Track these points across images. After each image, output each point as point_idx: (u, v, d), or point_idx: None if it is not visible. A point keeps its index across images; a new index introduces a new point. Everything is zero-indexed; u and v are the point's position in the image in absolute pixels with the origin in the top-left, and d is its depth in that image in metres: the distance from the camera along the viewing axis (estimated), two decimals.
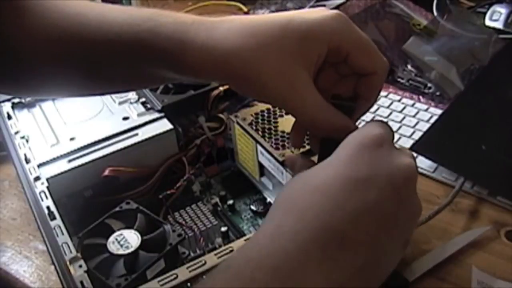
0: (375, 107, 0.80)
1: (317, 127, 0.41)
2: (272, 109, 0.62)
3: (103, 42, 0.43)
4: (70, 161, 0.58)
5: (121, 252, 0.49)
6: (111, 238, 0.50)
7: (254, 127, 0.59)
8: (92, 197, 0.58)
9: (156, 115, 0.64)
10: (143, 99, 0.66)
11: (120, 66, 0.45)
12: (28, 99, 0.69)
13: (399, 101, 0.81)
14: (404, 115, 0.78)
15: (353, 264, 0.33)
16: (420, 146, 0.69)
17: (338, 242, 0.33)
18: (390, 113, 0.79)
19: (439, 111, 0.77)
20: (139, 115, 0.64)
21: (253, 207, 0.61)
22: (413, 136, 0.74)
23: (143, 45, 0.42)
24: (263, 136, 0.58)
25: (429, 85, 0.81)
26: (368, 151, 0.36)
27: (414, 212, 0.37)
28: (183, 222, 0.57)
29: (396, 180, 0.35)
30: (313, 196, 0.35)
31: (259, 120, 0.60)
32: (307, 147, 0.56)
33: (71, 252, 0.48)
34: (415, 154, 0.69)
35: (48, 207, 0.52)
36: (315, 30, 0.39)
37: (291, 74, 0.39)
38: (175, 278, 0.44)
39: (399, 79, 0.84)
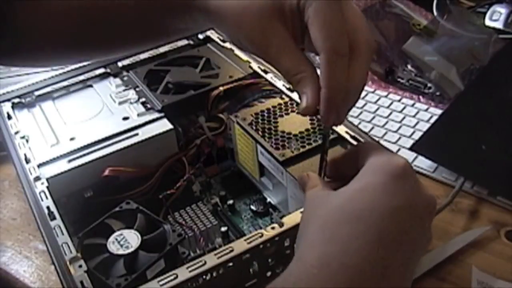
0: (375, 107, 0.80)
1: (283, 69, 0.42)
2: (272, 109, 0.62)
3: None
4: (70, 161, 0.58)
5: (121, 252, 0.49)
6: (111, 238, 0.50)
7: (254, 127, 0.59)
8: (92, 197, 0.58)
9: (156, 115, 0.64)
10: (143, 99, 0.66)
11: (134, 22, 0.49)
12: (28, 99, 0.69)
13: (399, 101, 0.81)
14: (404, 115, 0.78)
15: None
16: (420, 146, 0.69)
17: (380, 273, 0.34)
18: (390, 113, 0.79)
19: (439, 111, 0.77)
20: (139, 115, 0.64)
21: (253, 207, 0.61)
22: (413, 136, 0.74)
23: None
24: (263, 136, 0.58)
25: (429, 85, 0.81)
26: (401, 181, 0.37)
27: (430, 238, 0.39)
28: (183, 222, 0.57)
29: (423, 212, 0.38)
30: (353, 226, 0.35)
31: (259, 120, 0.60)
32: (307, 147, 0.56)
33: (71, 252, 0.48)
34: (415, 154, 0.69)
35: (48, 207, 0.52)
36: None
37: (266, 28, 0.42)
38: (175, 278, 0.44)
39: (399, 79, 0.84)
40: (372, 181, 0.37)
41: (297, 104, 0.62)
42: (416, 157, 0.70)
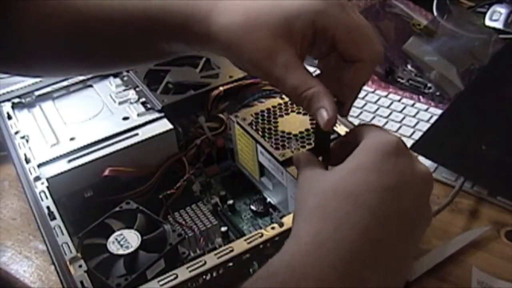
0: (375, 107, 0.80)
1: (291, 87, 0.41)
2: (272, 109, 0.62)
3: (118, 20, 0.46)
4: (70, 161, 0.58)
5: (121, 252, 0.49)
6: (111, 238, 0.50)
7: (254, 127, 0.59)
8: (92, 197, 0.58)
9: (156, 115, 0.64)
10: (143, 99, 0.66)
11: (132, 43, 0.47)
12: (28, 99, 0.69)
13: (399, 101, 0.81)
14: (404, 115, 0.78)
15: (387, 270, 0.35)
16: (420, 146, 0.69)
17: (374, 251, 0.35)
18: (390, 113, 0.79)
19: (439, 111, 0.77)
20: (139, 115, 0.64)
21: (253, 207, 0.61)
22: (413, 136, 0.74)
23: (154, 20, 0.45)
24: (263, 136, 0.58)
25: (429, 85, 0.81)
26: (393, 158, 0.37)
27: (429, 216, 0.40)
28: (183, 222, 0.57)
29: (419, 188, 0.37)
30: (348, 204, 0.36)
31: (259, 120, 0.60)
32: (307, 147, 0.56)
33: (71, 252, 0.48)
34: (414, 154, 0.69)
35: (48, 207, 0.52)
36: (299, 10, 0.41)
37: (271, 48, 0.41)
38: (175, 278, 0.44)
39: (399, 79, 0.84)
40: (365, 160, 0.38)
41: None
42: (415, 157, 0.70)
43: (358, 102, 0.82)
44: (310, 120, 0.59)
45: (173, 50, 0.48)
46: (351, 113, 0.81)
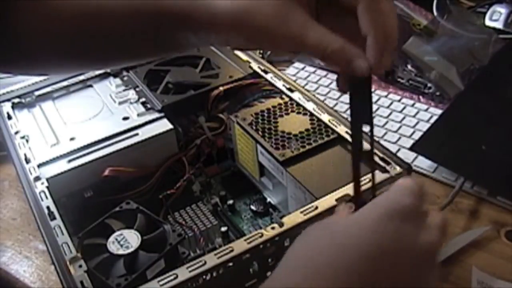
0: (375, 107, 0.80)
1: (314, 42, 0.39)
2: (272, 109, 0.62)
3: (125, 14, 0.45)
4: (70, 161, 0.58)
5: (121, 252, 0.49)
6: (111, 238, 0.50)
7: (254, 127, 0.59)
8: (92, 197, 0.58)
9: (156, 115, 0.64)
10: (143, 99, 0.66)
11: (138, 37, 0.46)
12: (28, 99, 0.69)
13: (399, 101, 0.81)
14: (404, 115, 0.78)
15: None
16: (420, 146, 0.69)
17: None
18: (390, 113, 0.79)
19: (439, 111, 0.77)
20: (139, 115, 0.64)
21: (253, 207, 0.61)
22: (413, 136, 0.74)
23: (157, 12, 0.44)
24: (263, 136, 0.58)
25: (429, 85, 0.81)
26: (395, 224, 0.35)
27: (431, 284, 0.37)
28: (183, 222, 0.57)
29: (417, 260, 0.35)
30: (333, 256, 0.35)
31: (259, 120, 0.60)
32: (307, 147, 0.56)
33: (71, 252, 0.48)
34: (415, 154, 0.69)
35: (48, 207, 0.52)
36: None
37: (284, 10, 0.40)
38: (175, 278, 0.44)
39: (399, 79, 0.84)
40: (367, 215, 0.36)
41: (297, 104, 0.62)
42: (416, 157, 0.70)
43: None
44: (310, 120, 0.59)
45: (179, 41, 0.46)
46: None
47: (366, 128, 0.41)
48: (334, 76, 0.87)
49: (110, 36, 0.46)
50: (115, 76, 0.72)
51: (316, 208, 0.48)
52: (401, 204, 0.36)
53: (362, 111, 0.41)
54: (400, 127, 0.76)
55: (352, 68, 0.38)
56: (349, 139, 0.56)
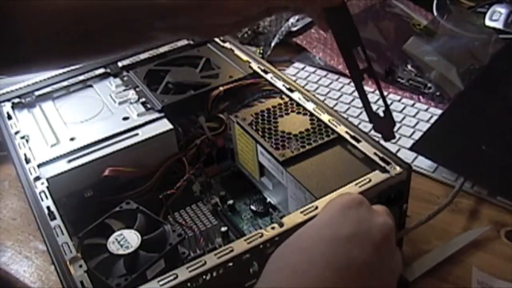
0: (375, 107, 0.80)
1: None
2: (272, 109, 0.62)
3: (114, 9, 0.49)
4: (70, 161, 0.58)
5: (121, 252, 0.49)
6: (111, 238, 0.50)
7: (254, 127, 0.59)
8: (92, 197, 0.58)
9: (156, 115, 0.64)
10: (143, 99, 0.66)
11: (124, 30, 0.50)
12: (28, 99, 0.69)
13: (399, 101, 0.81)
14: (404, 115, 0.78)
15: None
16: (420, 146, 0.69)
17: None
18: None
19: (439, 111, 0.77)
20: (139, 115, 0.64)
21: (253, 207, 0.61)
22: (413, 136, 0.74)
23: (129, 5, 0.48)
24: (263, 136, 0.58)
25: (429, 85, 0.81)
26: (350, 211, 0.40)
27: (394, 266, 0.41)
28: (183, 222, 0.57)
29: (374, 237, 0.39)
30: (302, 255, 0.38)
31: (259, 120, 0.60)
32: (307, 147, 0.56)
33: (71, 252, 0.48)
34: (415, 154, 0.69)
35: (48, 207, 0.52)
36: None
37: None
38: (175, 278, 0.44)
39: (399, 79, 0.84)
40: (322, 215, 0.42)
41: (297, 104, 0.62)
42: (416, 157, 0.70)
43: (358, 102, 0.81)
44: (310, 120, 0.59)
45: (148, 31, 0.49)
46: (351, 113, 0.82)
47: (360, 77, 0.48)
48: (334, 76, 0.88)
49: (91, 30, 0.49)
50: (115, 76, 0.73)
51: (316, 208, 0.48)
52: (351, 197, 0.42)
53: (348, 35, 0.47)
54: (400, 127, 0.76)
55: None
56: (349, 139, 0.56)
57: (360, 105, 0.81)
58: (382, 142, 0.55)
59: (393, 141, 0.73)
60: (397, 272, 0.41)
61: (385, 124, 0.50)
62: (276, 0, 0.49)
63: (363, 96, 0.49)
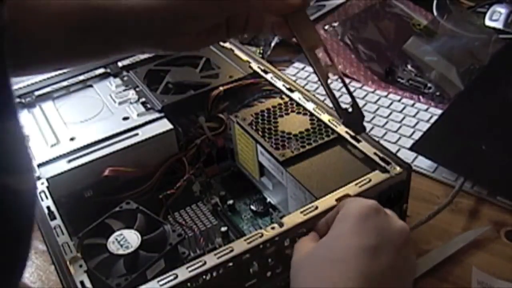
0: (375, 107, 0.80)
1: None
2: (272, 109, 0.62)
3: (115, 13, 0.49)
4: (70, 161, 0.58)
5: (121, 252, 0.49)
6: (111, 238, 0.50)
7: (254, 127, 0.59)
8: (92, 197, 0.58)
9: (156, 115, 0.64)
10: (143, 99, 0.66)
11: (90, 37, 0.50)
12: (28, 99, 0.69)
13: (399, 101, 0.81)
14: (404, 115, 0.78)
15: None
16: (420, 146, 0.69)
17: None
18: (390, 113, 0.79)
19: (439, 111, 0.77)
20: (139, 115, 0.64)
21: (253, 207, 0.61)
22: (413, 136, 0.74)
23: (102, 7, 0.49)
24: (263, 136, 0.58)
25: (429, 85, 0.81)
26: (370, 220, 0.41)
27: (412, 266, 0.43)
28: (183, 222, 0.57)
29: (397, 242, 0.41)
30: (337, 267, 0.40)
31: (259, 120, 0.60)
32: (307, 147, 0.56)
33: (71, 252, 0.48)
34: (415, 154, 0.69)
35: (48, 207, 0.52)
36: None
37: None
38: (175, 278, 0.44)
39: (399, 79, 0.84)
40: (343, 226, 0.42)
41: (297, 104, 0.62)
42: (416, 157, 0.70)
43: (358, 102, 0.81)
44: (310, 120, 0.59)
45: (126, 37, 0.50)
46: None
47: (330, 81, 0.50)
48: (334, 77, 0.88)
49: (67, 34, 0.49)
50: (115, 76, 0.72)
51: (316, 208, 0.48)
52: (367, 204, 0.43)
53: (309, 38, 0.50)
54: (400, 127, 0.76)
55: (287, 2, 0.48)
56: (349, 139, 0.56)
57: (360, 105, 0.81)
58: (382, 142, 0.55)
59: (393, 141, 0.74)
60: (414, 272, 0.43)
61: (354, 118, 0.51)
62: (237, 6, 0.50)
63: (330, 93, 0.51)
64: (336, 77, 0.53)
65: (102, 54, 0.55)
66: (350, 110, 0.52)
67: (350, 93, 0.52)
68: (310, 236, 0.46)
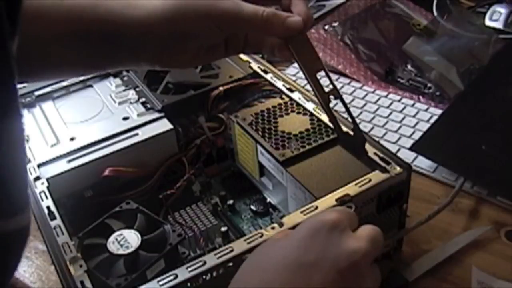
0: (375, 107, 0.80)
1: (250, 15, 0.46)
2: (272, 109, 0.62)
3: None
4: (70, 161, 0.58)
5: (121, 252, 0.49)
6: (111, 238, 0.50)
7: (254, 127, 0.59)
8: (92, 197, 0.58)
9: (156, 115, 0.64)
10: (143, 99, 0.66)
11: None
12: (28, 99, 0.69)
13: (399, 101, 0.81)
14: (404, 115, 0.78)
15: None
16: (420, 146, 0.69)
17: None
18: (390, 113, 0.79)
19: (439, 111, 0.77)
20: (139, 115, 0.64)
21: (253, 207, 0.61)
22: (413, 136, 0.74)
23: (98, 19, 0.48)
24: (263, 136, 0.58)
25: (429, 85, 0.81)
26: (319, 235, 0.39)
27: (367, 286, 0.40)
28: (183, 222, 0.57)
29: (340, 265, 0.38)
30: (263, 277, 0.39)
31: (259, 120, 0.60)
32: (307, 147, 0.56)
33: (71, 252, 0.48)
34: (415, 154, 0.69)
35: (48, 207, 0.52)
36: None
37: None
38: (175, 278, 0.44)
39: (399, 79, 0.84)
40: (292, 237, 0.41)
41: (297, 104, 0.62)
42: (416, 157, 0.70)
43: (358, 102, 0.82)
44: (310, 120, 0.59)
45: (122, 50, 0.49)
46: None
47: (328, 91, 0.50)
48: (334, 76, 0.88)
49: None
50: (115, 76, 0.72)
51: (316, 208, 0.48)
52: (326, 219, 0.40)
53: (310, 61, 0.49)
54: (400, 127, 0.76)
55: (287, 25, 0.47)
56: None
57: (360, 105, 0.81)
58: (382, 142, 0.55)
59: (393, 141, 0.74)
60: None
61: (355, 143, 0.50)
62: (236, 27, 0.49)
63: (331, 117, 0.50)
64: (337, 100, 0.52)
65: (96, 68, 0.54)
66: (351, 133, 0.52)
67: (351, 116, 0.51)
68: (281, 234, 0.45)
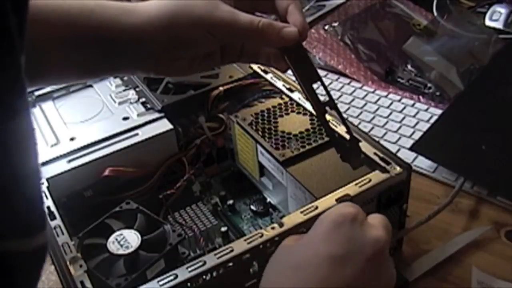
0: (375, 107, 0.80)
1: (246, 25, 0.46)
2: (272, 109, 0.62)
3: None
4: (70, 161, 0.58)
5: (121, 252, 0.49)
6: (111, 238, 0.50)
7: (254, 127, 0.59)
8: (92, 197, 0.58)
9: (156, 115, 0.64)
10: (143, 99, 0.66)
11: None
12: (28, 99, 0.69)
13: (399, 101, 0.81)
14: (404, 115, 0.78)
15: None
16: (420, 146, 0.69)
17: None
18: (390, 113, 0.79)
19: (439, 111, 0.77)
20: (139, 115, 0.64)
21: (253, 207, 0.61)
22: (413, 136, 0.74)
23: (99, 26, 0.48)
24: (263, 136, 0.58)
25: (429, 85, 0.81)
26: (342, 229, 0.40)
27: (389, 278, 0.42)
28: (183, 222, 0.57)
29: (367, 253, 0.40)
30: (296, 274, 0.39)
31: (259, 120, 0.60)
32: (307, 147, 0.56)
33: (71, 252, 0.48)
34: (415, 154, 0.69)
35: (48, 207, 0.52)
36: None
37: (212, 4, 0.46)
38: (175, 278, 0.44)
39: (399, 79, 0.84)
40: (315, 232, 0.41)
41: (297, 104, 0.62)
42: (416, 157, 0.70)
43: (358, 102, 0.82)
44: (310, 120, 0.59)
45: (121, 56, 0.49)
46: (351, 113, 0.82)
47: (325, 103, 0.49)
48: (334, 76, 0.88)
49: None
50: (115, 76, 0.72)
51: (316, 208, 0.48)
52: (345, 212, 0.41)
53: (306, 72, 0.48)
54: (400, 127, 0.76)
55: (282, 35, 0.46)
56: (348, 138, 0.56)
57: (360, 105, 0.82)
58: (382, 142, 0.55)
59: (393, 141, 0.74)
60: (391, 283, 0.42)
61: (351, 153, 0.50)
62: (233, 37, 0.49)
63: (327, 127, 0.50)
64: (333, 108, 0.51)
65: (91, 74, 0.54)
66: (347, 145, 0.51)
67: (346, 126, 0.51)
68: (297, 236, 0.45)
